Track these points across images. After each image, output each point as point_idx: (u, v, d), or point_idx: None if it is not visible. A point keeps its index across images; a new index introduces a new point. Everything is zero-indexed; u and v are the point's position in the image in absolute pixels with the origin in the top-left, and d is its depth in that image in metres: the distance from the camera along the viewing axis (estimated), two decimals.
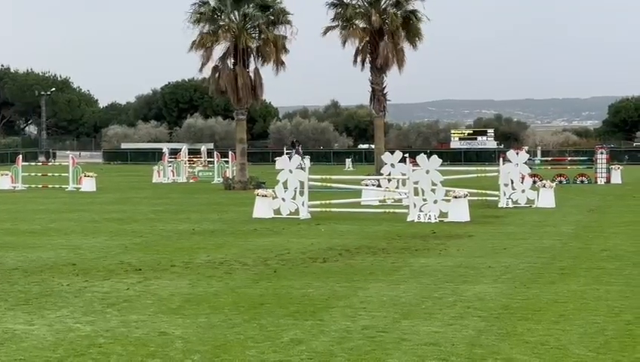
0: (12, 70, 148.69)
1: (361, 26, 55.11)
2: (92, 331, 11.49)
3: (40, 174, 51.45)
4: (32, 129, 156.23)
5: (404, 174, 31.55)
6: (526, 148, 66.12)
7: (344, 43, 54.80)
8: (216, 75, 47.86)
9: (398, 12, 55.22)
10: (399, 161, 34.94)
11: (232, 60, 47.67)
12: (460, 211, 27.40)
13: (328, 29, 55.14)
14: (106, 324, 11.92)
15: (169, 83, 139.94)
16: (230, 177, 50.58)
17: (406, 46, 55.96)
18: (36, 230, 25.08)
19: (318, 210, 29.21)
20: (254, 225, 26.06)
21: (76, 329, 11.64)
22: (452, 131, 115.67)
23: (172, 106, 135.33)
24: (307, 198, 28.96)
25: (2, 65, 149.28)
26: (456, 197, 27.69)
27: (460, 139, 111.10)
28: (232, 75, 47.35)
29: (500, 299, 13.70)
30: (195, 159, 64.51)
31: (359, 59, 55.68)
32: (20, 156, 52.43)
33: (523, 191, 32.93)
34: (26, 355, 10.25)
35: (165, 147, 69.42)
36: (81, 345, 10.72)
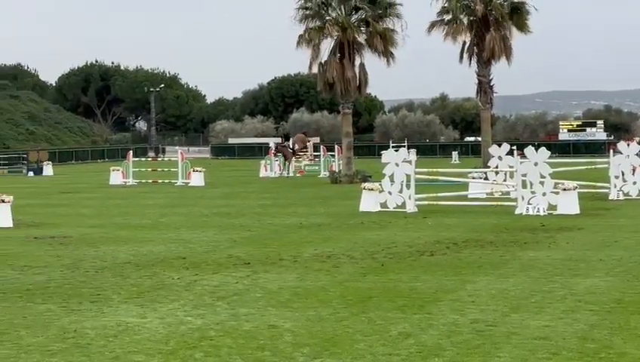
0: (122, 67, 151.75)
1: (465, 20, 54.47)
2: (203, 324, 11.65)
3: (150, 169, 52.27)
4: (141, 125, 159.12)
5: (511, 167, 31.23)
6: (637, 139, 64.67)
7: (455, 40, 54.20)
8: (323, 69, 47.93)
9: (505, 3, 54.50)
10: (507, 154, 34.58)
11: (339, 55, 47.74)
12: (569, 203, 27.02)
13: (433, 24, 54.61)
14: (216, 317, 12.06)
15: (275, 78, 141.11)
16: (336, 171, 50.72)
17: (513, 37, 55.21)
18: (147, 224, 25.51)
19: (425, 203, 29.09)
20: (361, 219, 26.08)
21: (187, 322, 11.81)
22: (560, 123, 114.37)
23: (278, 101, 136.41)
24: (414, 191, 28.87)
25: (113, 63, 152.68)
26: (565, 189, 27.32)
27: (569, 130, 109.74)
28: (338, 68, 47.38)
29: (612, 292, 13.47)
30: (301, 153, 64.84)
31: (465, 55, 55.04)
32: (131, 152, 53.28)
33: (634, 183, 32.32)
34: (140, 347, 10.44)
35: (272, 142, 69.94)
36: (192, 338, 10.88)
